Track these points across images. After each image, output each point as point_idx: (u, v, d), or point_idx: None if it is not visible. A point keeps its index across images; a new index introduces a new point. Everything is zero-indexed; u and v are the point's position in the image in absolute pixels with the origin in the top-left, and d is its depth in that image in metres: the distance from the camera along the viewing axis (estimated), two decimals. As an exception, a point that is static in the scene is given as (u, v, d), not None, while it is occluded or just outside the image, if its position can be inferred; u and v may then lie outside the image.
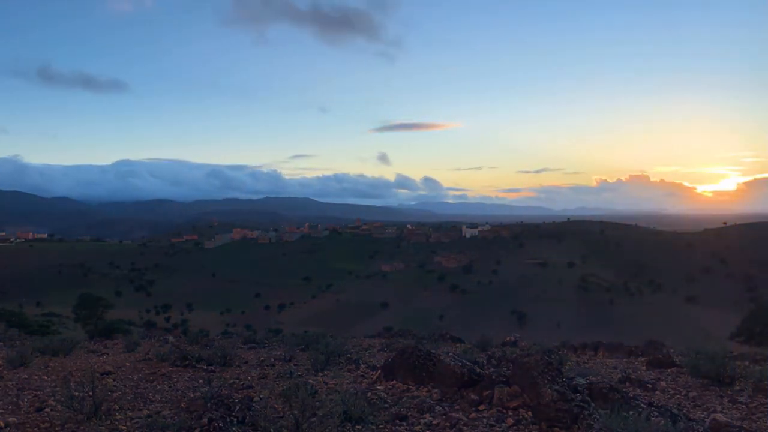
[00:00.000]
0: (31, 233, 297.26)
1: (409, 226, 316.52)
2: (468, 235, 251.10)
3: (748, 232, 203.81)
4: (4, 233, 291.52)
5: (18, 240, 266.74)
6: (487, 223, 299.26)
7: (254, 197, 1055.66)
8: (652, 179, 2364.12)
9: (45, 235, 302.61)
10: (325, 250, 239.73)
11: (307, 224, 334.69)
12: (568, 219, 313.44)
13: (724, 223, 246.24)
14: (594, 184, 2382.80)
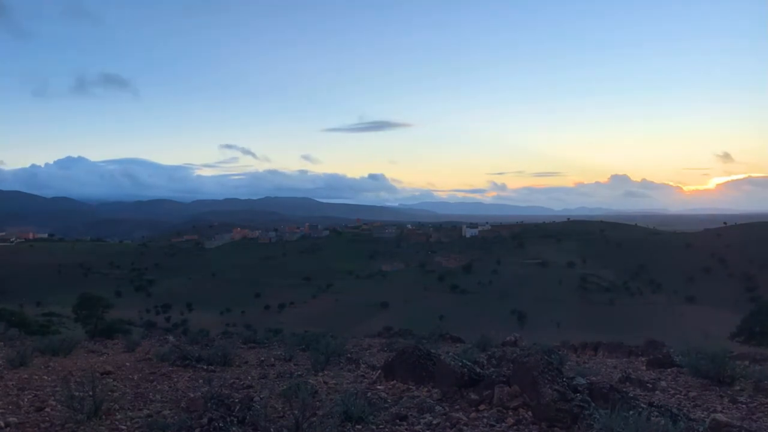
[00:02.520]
0: (31, 233, 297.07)
1: (409, 226, 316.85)
2: (468, 235, 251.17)
3: (748, 232, 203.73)
4: (4, 233, 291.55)
5: (18, 240, 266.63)
6: (487, 222, 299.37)
7: (254, 197, 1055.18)
8: (633, 179, 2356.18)
9: (45, 235, 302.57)
10: (325, 250, 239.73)
11: (307, 224, 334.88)
12: (569, 219, 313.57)
13: (724, 223, 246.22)
14: (571, 184, 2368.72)
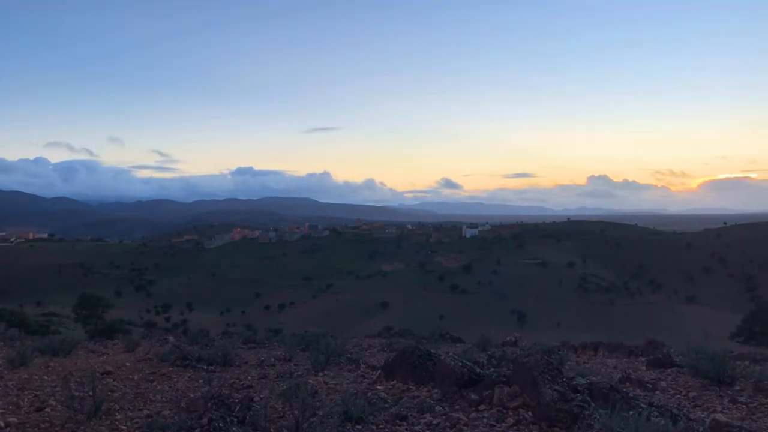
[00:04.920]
0: (31, 233, 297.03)
1: (409, 226, 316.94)
2: (468, 235, 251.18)
3: (748, 232, 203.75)
4: (4, 233, 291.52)
5: (18, 240, 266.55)
6: (487, 222, 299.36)
7: (254, 197, 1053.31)
8: (614, 180, 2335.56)
9: (45, 235, 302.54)
10: (325, 250, 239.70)
11: (307, 224, 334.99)
12: (569, 219, 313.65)
13: (724, 223, 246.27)
14: (550, 185, 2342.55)
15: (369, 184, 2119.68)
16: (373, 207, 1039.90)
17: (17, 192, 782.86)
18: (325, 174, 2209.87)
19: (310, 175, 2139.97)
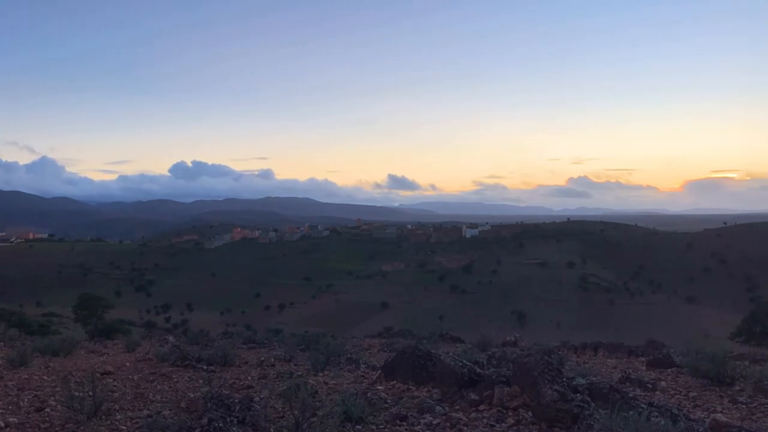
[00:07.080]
0: (31, 233, 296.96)
1: (409, 226, 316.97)
2: (468, 235, 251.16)
3: (748, 232, 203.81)
4: (4, 233, 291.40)
5: (18, 240, 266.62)
6: (487, 222, 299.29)
7: (254, 197, 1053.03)
8: (595, 180, 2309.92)
9: (45, 235, 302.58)
10: (325, 250, 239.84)
11: (307, 224, 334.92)
12: (568, 219, 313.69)
13: (724, 224, 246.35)
14: (530, 186, 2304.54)
15: (313, 182, 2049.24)
16: (373, 207, 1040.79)
17: (17, 192, 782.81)
18: (268, 171, 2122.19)
19: (260, 173, 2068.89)
